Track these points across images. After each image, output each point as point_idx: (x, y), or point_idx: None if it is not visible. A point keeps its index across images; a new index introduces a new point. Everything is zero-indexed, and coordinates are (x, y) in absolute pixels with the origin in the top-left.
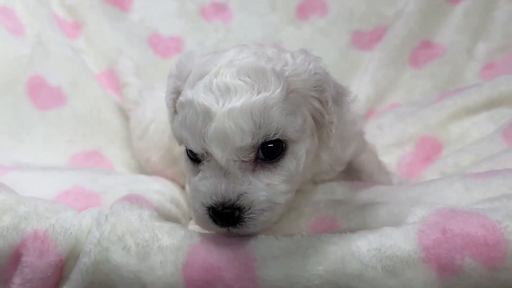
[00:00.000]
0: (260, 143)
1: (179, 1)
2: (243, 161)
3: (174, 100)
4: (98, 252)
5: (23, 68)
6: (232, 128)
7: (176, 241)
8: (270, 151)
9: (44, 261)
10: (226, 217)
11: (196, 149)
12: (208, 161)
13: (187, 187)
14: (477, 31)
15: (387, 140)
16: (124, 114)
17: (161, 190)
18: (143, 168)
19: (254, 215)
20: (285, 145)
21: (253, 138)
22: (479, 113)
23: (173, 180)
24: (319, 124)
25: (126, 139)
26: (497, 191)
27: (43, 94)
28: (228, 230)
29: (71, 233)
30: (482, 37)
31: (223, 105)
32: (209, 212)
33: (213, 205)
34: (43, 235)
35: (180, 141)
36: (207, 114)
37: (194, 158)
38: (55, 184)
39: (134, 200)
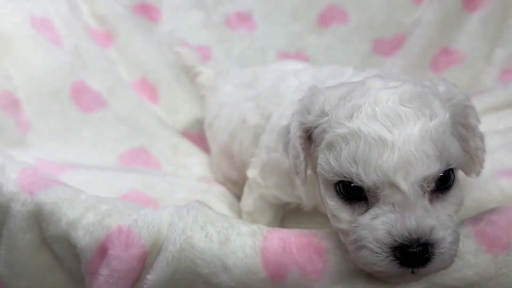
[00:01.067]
0: (442, 170)
1: (205, 12)
2: (423, 192)
3: (301, 137)
4: (183, 240)
5: (66, 75)
6: (416, 156)
7: (250, 229)
8: (442, 180)
9: (130, 253)
10: (416, 256)
11: (369, 183)
12: (384, 195)
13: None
14: (494, 38)
15: None
16: (161, 119)
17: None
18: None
19: (444, 250)
20: (454, 173)
21: (440, 164)
22: (505, 110)
23: (225, 173)
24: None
25: (167, 139)
26: None
27: (86, 98)
28: (413, 272)
29: (153, 226)
30: (499, 44)
31: (399, 132)
32: (394, 253)
33: (406, 243)
34: (127, 229)
35: (334, 178)
36: (382, 144)
37: (348, 197)
38: (113, 187)
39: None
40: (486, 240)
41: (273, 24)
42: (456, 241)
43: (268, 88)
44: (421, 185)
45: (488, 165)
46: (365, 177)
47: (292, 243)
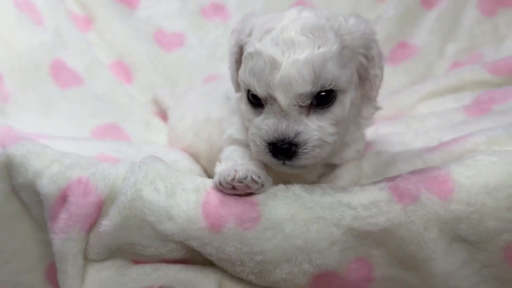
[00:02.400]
0: (318, 90)
1: (182, 1)
2: (300, 106)
3: (237, 52)
4: (133, 192)
5: (46, 52)
6: (295, 77)
7: (195, 185)
8: (322, 99)
9: (87, 200)
10: (284, 151)
11: (261, 93)
12: (271, 104)
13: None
14: (447, 34)
15: None
16: (134, 98)
17: (177, 158)
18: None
19: (307, 150)
20: (335, 94)
21: (312, 87)
22: (445, 95)
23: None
24: (362, 80)
25: (140, 116)
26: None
27: (64, 75)
28: (284, 163)
29: (109, 179)
30: (451, 39)
31: (289, 57)
32: (269, 147)
33: (274, 141)
34: (86, 180)
35: (244, 87)
36: (274, 64)
37: (255, 103)
38: (83, 151)
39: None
40: (398, 192)
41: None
42: (320, 146)
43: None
44: (297, 101)
45: (421, 143)
46: (258, 89)
47: (230, 198)
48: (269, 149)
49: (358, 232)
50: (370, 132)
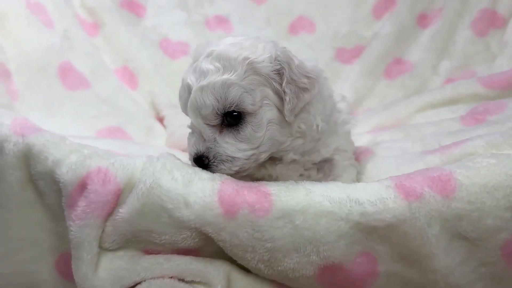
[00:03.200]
0: (222, 112)
1: (187, 12)
2: (210, 125)
3: None
4: (152, 180)
5: (54, 54)
6: (199, 101)
7: (211, 175)
8: (232, 119)
9: (107, 188)
10: (200, 164)
11: (185, 115)
12: (192, 124)
13: None
14: (441, 52)
15: (362, 129)
16: (138, 103)
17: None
18: None
19: (216, 163)
20: (242, 115)
21: (213, 109)
22: (441, 107)
23: None
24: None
25: (143, 121)
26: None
27: (71, 77)
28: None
29: (128, 169)
30: (445, 57)
31: (198, 83)
32: (193, 159)
33: (193, 155)
34: (105, 169)
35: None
36: (189, 90)
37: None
38: None
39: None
40: (403, 190)
41: (248, 27)
42: (227, 160)
43: None
44: (204, 120)
45: (420, 148)
46: (183, 111)
47: (244, 187)
48: (193, 161)
49: (365, 227)
50: (367, 140)
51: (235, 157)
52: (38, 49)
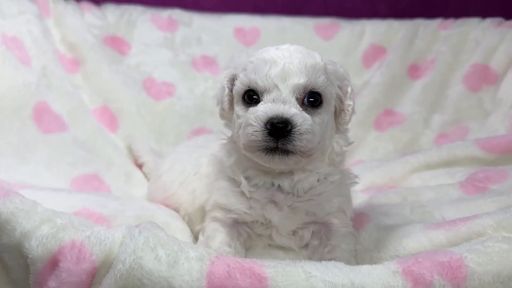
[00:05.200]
0: (308, 89)
1: (173, 52)
2: (296, 97)
3: (231, 84)
4: (132, 260)
5: (30, 94)
6: (292, 70)
7: (199, 254)
8: (312, 100)
9: (80, 267)
10: (280, 130)
11: (261, 84)
12: (268, 93)
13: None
14: (433, 105)
15: (356, 187)
16: (117, 147)
17: (168, 220)
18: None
19: (301, 131)
20: (321, 100)
21: (306, 80)
22: (437, 169)
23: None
24: (336, 113)
25: (122, 168)
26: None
27: (47, 119)
28: (277, 145)
29: (105, 244)
30: (437, 110)
31: (285, 58)
32: (266, 126)
33: (274, 116)
34: (80, 244)
35: (241, 90)
36: (274, 63)
37: (249, 102)
38: (66, 205)
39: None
40: (412, 277)
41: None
42: (310, 132)
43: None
44: (294, 90)
45: (418, 217)
46: (259, 81)
47: (236, 269)
48: (266, 128)
49: None
50: (362, 201)
51: (314, 133)
52: (13, 89)
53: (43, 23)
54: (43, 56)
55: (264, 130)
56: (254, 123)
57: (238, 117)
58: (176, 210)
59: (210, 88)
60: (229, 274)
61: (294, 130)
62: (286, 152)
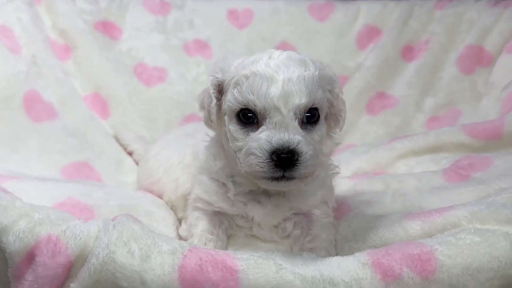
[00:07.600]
0: (308, 107)
1: (165, 35)
2: (297, 118)
3: (216, 90)
4: (106, 254)
5: (20, 83)
6: (293, 90)
7: (172, 247)
8: (309, 116)
9: (56, 261)
10: (286, 160)
11: (260, 106)
12: (270, 117)
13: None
14: (425, 87)
15: (343, 172)
16: (108, 135)
17: (152, 209)
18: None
19: (307, 159)
20: (318, 114)
21: (308, 100)
22: (423, 155)
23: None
24: (326, 116)
25: (112, 155)
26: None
27: (37, 108)
28: (283, 174)
29: (80, 238)
30: (430, 93)
31: (284, 74)
32: (271, 156)
33: (279, 147)
34: (55, 238)
35: (236, 108)
36: (271, 81)
37: (245, 122)
38: (51, 195)
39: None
40: (380, 269)
41: (228, 53)
42: (315, 156)
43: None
44: (295, 112)
45: (400, 206)
46: (258, 103)
47: (208, 262)
48: (272, 159)
49: None
50: (347, 188)
51: (316, 155)
52: (2, 78)
53: (33, 9)
54: (33, 44)
55: (270, 162)
56: (258, 153)
57: (235, 138)
58: (160, 196)
59: (202, 73)
60: (200, 268)
61: (301, 159)
62: (291, 178)
